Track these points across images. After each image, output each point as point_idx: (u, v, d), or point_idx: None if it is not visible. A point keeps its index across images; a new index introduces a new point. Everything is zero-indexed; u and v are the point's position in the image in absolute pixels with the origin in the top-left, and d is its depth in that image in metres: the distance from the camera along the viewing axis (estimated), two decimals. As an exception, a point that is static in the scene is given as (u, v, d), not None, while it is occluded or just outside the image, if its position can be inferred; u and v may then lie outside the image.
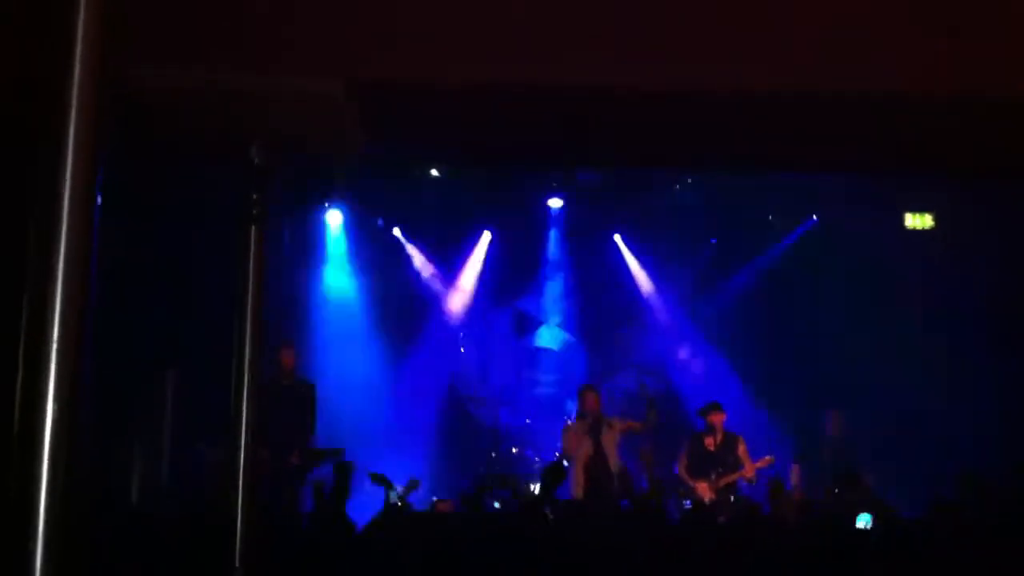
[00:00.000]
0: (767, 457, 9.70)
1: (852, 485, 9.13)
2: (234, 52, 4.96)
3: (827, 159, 6.92)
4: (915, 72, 5.15)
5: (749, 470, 9.62)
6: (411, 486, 8.81)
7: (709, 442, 9.80)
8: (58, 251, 2.71)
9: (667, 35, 5.07)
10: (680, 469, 9.82)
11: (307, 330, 11.83)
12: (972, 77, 5.16)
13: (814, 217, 12.23)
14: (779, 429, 11.33)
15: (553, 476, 7.80)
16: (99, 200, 2.78)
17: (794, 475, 9.89)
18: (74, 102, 2.78)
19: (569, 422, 10.37)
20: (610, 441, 9.78)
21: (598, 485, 9.45)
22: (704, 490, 9.62)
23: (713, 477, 9.62)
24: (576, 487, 9.48)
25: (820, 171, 9.19)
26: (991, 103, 5.37)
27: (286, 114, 5.32)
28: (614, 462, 9.70)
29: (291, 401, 9.26)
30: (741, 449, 9.77)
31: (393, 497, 7.61)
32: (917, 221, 11.83)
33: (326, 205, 11.98)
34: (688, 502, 9.54)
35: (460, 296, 12.70)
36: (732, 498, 9.49)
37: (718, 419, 9.80)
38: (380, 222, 12.48)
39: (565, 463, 9.53)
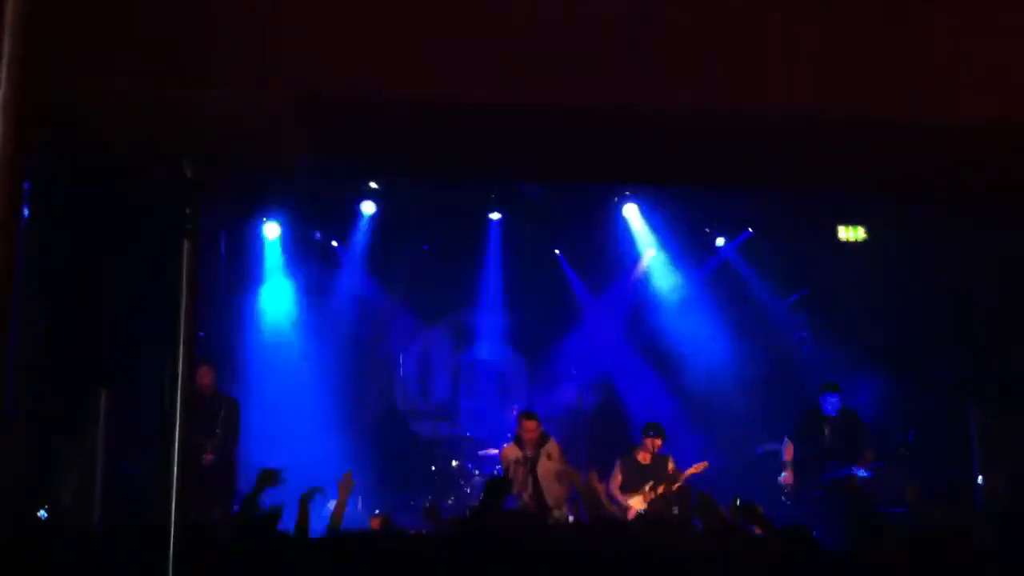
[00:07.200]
0: (702, 463, 9.93)
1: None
2: (171, 63, 4.92)
3: (758, 175, 7.04)
4: (847, 93, 5.27)
5: (680, 481, 9.77)
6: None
7: (642, 457, 10.01)
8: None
9: (604, 54, 5.13)
10: (613, 487, 9.91)
11: (243, 345, 11.71)
12: (901, 99, 5.30)
13: (749, 230, 12.33)
14: (717, 447, 11.47)
15: (497, 489, 7.37)
16: (25, 214, 2.74)
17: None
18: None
19: (507, 445, 10.07)
20: (548, 472, 9.56)
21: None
22: (637, 503, 9.77)
23: (647, 489, 9.77)
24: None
25: (751, 186, 9.31)
26: (920, 125, 5.54)
27: (223, 126, 5.29)
28: (552, 496, 9.46)
29: (208, 414, 9.39)
30: (671, 467, 9.97)
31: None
32: (850, 233, 11.99)
33: (264, 219, 11.86)
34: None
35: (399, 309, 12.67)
36: (675, 509, 9.54)
37: (654, 443, 9.97)
38: (318, 235, 12.37)
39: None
